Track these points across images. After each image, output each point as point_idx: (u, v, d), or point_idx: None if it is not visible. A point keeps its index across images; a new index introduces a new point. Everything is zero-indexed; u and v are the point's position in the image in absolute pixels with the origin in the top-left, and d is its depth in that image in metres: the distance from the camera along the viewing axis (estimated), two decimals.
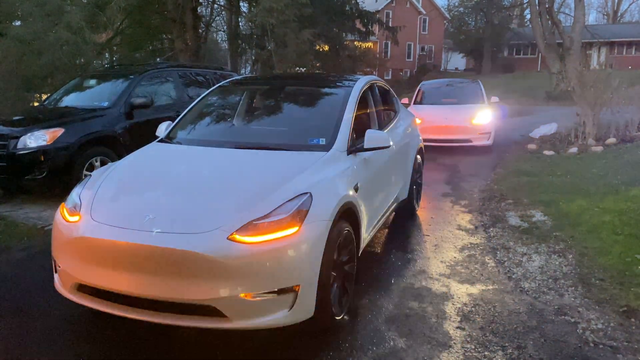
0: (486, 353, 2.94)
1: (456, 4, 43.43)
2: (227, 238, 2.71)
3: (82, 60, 12.40)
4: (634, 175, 6.91)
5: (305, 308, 2.87)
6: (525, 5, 36.54)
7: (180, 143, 4.06)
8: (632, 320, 3.30)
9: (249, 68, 28.70)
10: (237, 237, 2.72)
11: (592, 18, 56.90)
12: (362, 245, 3.84)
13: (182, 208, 2.95)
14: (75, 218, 3.04)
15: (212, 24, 29.08)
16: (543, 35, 22.24)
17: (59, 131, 6.01)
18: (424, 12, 44.41)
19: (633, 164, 7.74)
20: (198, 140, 4.08)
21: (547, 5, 22.57)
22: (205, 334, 3.12)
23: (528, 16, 34.65)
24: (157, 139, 4.21)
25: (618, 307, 3.48)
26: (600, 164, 8.19)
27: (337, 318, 3.18)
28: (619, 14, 53.25)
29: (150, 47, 21.12)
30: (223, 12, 26.85)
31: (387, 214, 4.78)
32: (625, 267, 4.08)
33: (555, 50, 22.57)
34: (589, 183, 6.85)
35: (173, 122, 4.41)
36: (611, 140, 10.06)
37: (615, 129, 10.56)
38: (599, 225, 5.01)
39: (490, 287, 3.87)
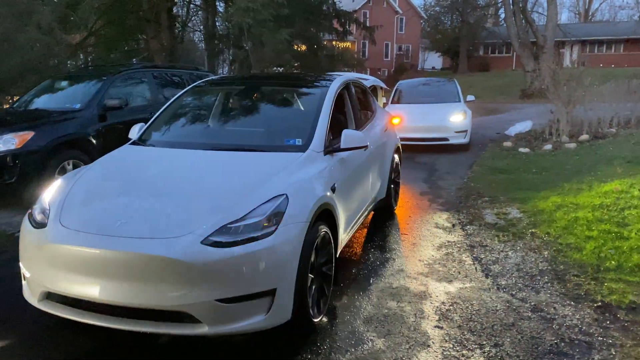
0: (464, 352, 2.95)
1: (432, 3, 43.83)
2: (201, 242, 2.66)
3: (55, 61, 12.13)
4: (606, 171, 7.04)
5: (282, 311, 2.83)
6: (499, 5, 37.01)
7: (153, 145, 3.98)
8: (606, 315, 3.35)
9: (227, 68, 28.47)
10: (212, 240, 2.67)
11: (564, 17, 58.10)
12: (341, 246, 3.82)
13: (154, 212, 2.89)
14: (43, 224, 2.95)
15: (189, 24, 28.78)
16: (517, 34, 22.57)
17: (28, 134, 5.85)
18: (401, 12, 44.67)
19: (605, 159, 7.89)
20: (172, 142, 4.01)
21: (520, 5, 22.92)
22: (180, 339, 3.05)
23: (503, 15, 35.14)
24: (130, 141, 4.12)
25: (593, 302, 3.52)
26: (573, 160, 8.33)
27: (315, 320, 3.15)
28: (590, 13, 54.36)
29: (126, 48, 20.79)
30: (200, 12, 26.58)
31: (366, 213, 4.77)
32: (599, 262, 4.14)
33: (529, 48, 22.93)
34: (563, 179, 6.95)
35: (147, 123, 4.32)
36: (584, 137, 10.25)
37: (588, 126, 10.76)
38: (574, 222, 5.08)
39: (468, 285, 3.89)
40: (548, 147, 9.88)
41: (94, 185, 3.30)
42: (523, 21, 23.11)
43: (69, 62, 15.74)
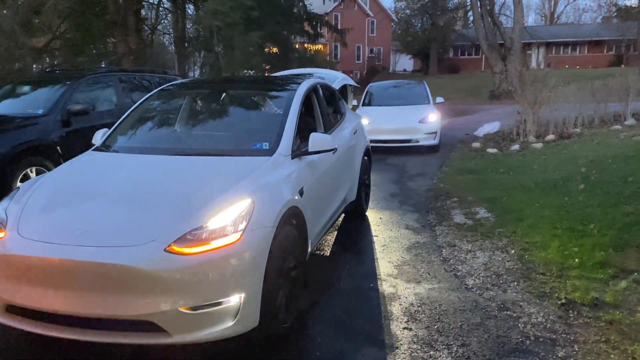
0: (432, 352, 2.97)
1: (402, 6, 44.34)
2: (165, 250, 2.61)
3: (20, 65, 11.82)
4: (571, 170, 7.21)
5: (249, 318, 2.80)
6: (468, 7, 37.68)
7: (117, 151, 3.90)
8: (570, 312, 3.42)
9: (198, 71, 28.18)
10: (176, 248, 2.62)
11: (531, 20, 59.34)
12: (310, 249, 3.81)
13: (116, 220, 2.82)
14: (1, 234, 2.85)
15: (159, 27, 28.39)
16: (485, 36, 22.99)
17: None
18: (372, 15, 45.01)
19: (570, 159, 8.09)
20: (136, 147, 3.93)
21: (488, 7, 23.35)
22: (146, 348, 2.99)
23: (471, 18, 35.76)
24: (93, 147, 4.03)
25: (557, 299, 3.59)
26: (540, 160, 8.51)
27: (284, 325, 3.12)
28: (556, 16, 55.82)
29: (95, 51, 20.35)
30: (169, 15, 26.25)
31: (336, 216, 4.77)
32: (563, 260, 4.23)
33: (497, 50, 23.38)
34: (530, 179, 7.09)
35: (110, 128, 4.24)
36: (550, 137, 10.49)
37: (554, 126, 11.02)
38: (540, 220, 5.18)
39: (436, 285, 3.92)
40: (515, 147, 10.07)
41: (54, 193, 3.21)
42: (491, 23, 23.55)
43: (34, 66, 15.34)
